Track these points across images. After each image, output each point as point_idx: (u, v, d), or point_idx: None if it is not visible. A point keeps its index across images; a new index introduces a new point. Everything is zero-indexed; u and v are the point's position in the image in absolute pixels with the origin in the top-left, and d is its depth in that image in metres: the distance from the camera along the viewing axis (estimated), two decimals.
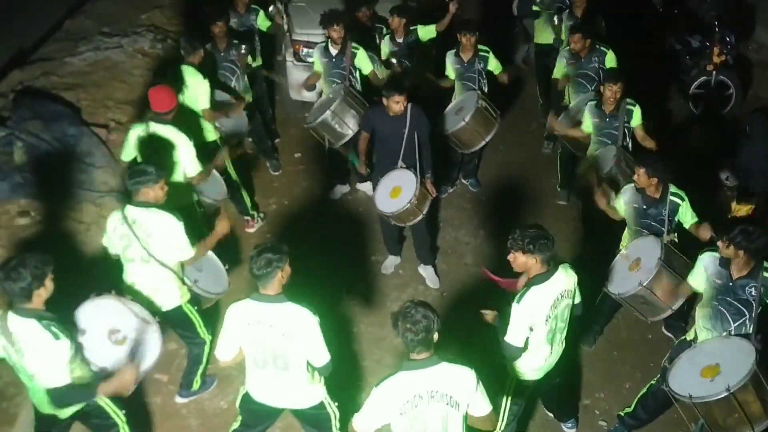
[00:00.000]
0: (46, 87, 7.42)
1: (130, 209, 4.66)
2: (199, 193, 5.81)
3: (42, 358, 3.78)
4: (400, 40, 7.30)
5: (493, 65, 7.11)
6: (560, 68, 7.15)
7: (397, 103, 5.79)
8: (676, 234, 5.31)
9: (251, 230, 6.94)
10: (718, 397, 4.09)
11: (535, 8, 8.30)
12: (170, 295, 4.86)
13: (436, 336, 3.50)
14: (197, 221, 5.80)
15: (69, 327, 3.94)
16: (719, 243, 4.41)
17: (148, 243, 4.65)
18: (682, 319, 5.81)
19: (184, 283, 4.89)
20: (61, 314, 4.02)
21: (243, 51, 7.04)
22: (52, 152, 6.59)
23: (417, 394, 3.51)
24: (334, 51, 6.92)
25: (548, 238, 4.16)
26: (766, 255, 4.41)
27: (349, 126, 6.70)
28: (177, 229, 4.66)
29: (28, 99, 7.10)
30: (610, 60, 6.92)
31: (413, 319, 3.44)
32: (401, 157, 5.97)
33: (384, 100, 5.85)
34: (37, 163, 6.50)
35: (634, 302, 5.13)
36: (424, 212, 5.99)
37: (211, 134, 6.47)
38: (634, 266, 5.13)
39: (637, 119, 6.27)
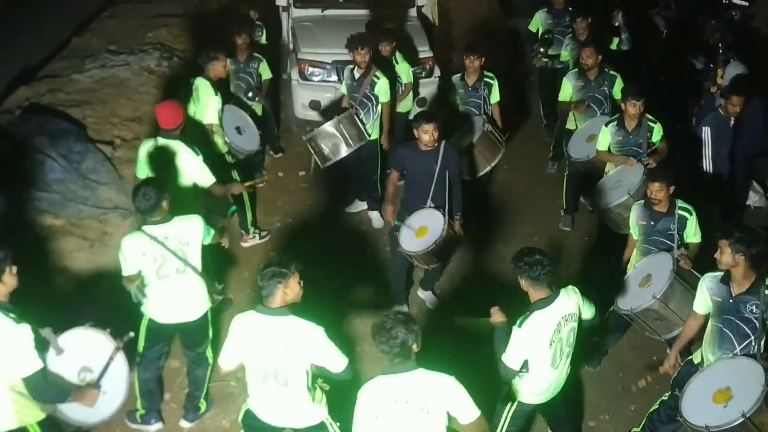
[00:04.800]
0: (53, 103, 7.45)
1: (154, 229, 4.63)
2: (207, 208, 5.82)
3: (7, 345, 3.71)
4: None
5: (495, 94, 7.09)
6: (567, 91, 7.10)
7: (426, 133, 5.57)
8: (684, 249, 5.29)
9: (245, 245, 6.96)
10: (735, 423, 4.02)
11: (532, 29, 8.39)
12: (200, 303, 4.90)
13: (415, 347, 3.58)
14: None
15: (37, 329, 3.86)
16: (717, 253, 4.36)
17: (185, 252, 4.70)
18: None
19: (209, 288, 4.96)
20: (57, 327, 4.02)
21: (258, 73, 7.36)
22: (57, 169, 6.59)
23: (391, 398, 3.54)
24: (357, 74, 6.93)
25: (532, 262, 4.11)
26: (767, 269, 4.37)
27: (330, 149, 6.78)
28: (201, 222, 4.80)
29: (35, 115, 7.12)
30: (619, 87, 6.89)
31: (389, 334, 3.53)
32: (431, 196, 5.75)
33: (415, 132, 5.67)
34: (42, 180, 6.51)
35: (646, 318, 5.06)
36: (449, 255, 5.84)
37: (223, 148, 6.51)
38: (645, 282, 5.10)
39: (658, 135, 6.28)
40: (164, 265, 4.70)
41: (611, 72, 6.96)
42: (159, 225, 4.64)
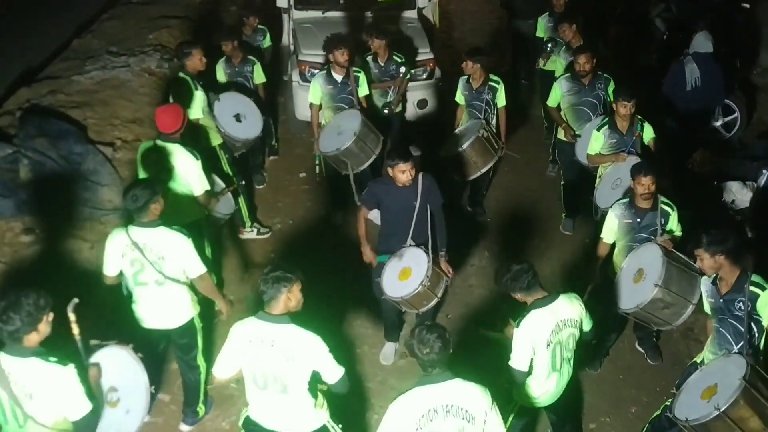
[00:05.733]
0: (53, 105, 7.45)
1: (136, 232, 4.56)
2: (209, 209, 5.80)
3: (56, 390, 3.58)
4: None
5: (500, 98, 7.05)
6: (555, 96, 7.06)
7: (403, 173, 5.15)
8: (667, 234, 5.29)
9: (242, 236, 7.02)
10: (710, 417, 4.03)
11: (539, 35, 8.41)
12: (184, 310, 4.84)
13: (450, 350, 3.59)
14: (205, 237, 5.80)
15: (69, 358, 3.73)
16: (697, 262, 4.36)
17: (161, 266, 4.59)
18: (654, 332, 5.80)
19: (196, 294, 4.87)
20: (61, 333, 3.96)
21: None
22: (57, 170, 6.60)
23: (432, 408, 3.52)
24: (339, 76, 6.91)
25: (515, 275, 4.17)
26: (748, 266, 4.38)
27: (372, 149, 6.64)
28: (187, 246, 4.61)
29: (35, 116, 7.12)
30: (613, 87, 6.89)
31: (430, 342, 3.51)
32: (411, 234, 5.37)
33: (389, 170, 5.25)
34: (42, 181, 6.51)
35: (654, 310, 4.98)
36: (440, 296, 5.37)
37: (215, 139, 6.57)
38: (639, 278, 5.06)
39: (649, 134, 6.27)
40: (142, 273, 4.63)
41: (604, 75, 6.95)
42: (144, 228, 4.56)
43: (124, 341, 4.20)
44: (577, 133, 6.92)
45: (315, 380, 4.05)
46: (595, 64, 6.84)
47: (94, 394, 3.81)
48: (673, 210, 5.36)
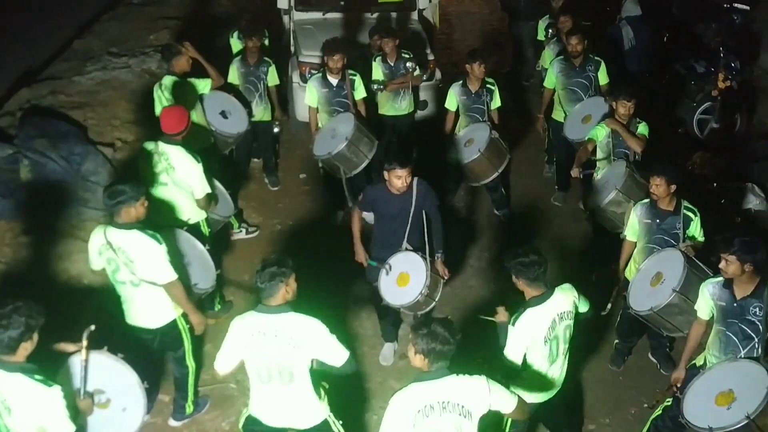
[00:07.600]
0: (54, 105, 7.46)
1: (112, 233, 4.54)
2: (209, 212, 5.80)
3: (39, 410, 3.56)
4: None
5: (497, 100, 7.08)
6: (551, 78, 7.17)
7: (398, 178, 5.10)
8: (689, 241, 5.27)
9: (233, 238, 7.06)
10: (738, 425, 4.03)
11: (540, 38, 8.41)
12: (163, 312, 4.80)
13: None
14: (203, 240, 5.80)
15: (53, 375, 3.72)
16: (721, 264, 4.33)
17: (132, 268, 4.58)
18: (667, 342, 5.80)
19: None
20: (61, 335, 3.99)
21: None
22: (58, 171, 6.61)
23: (428, 404, 3.54)
24: (334, 80, 6.90)
25: (528, 263, 4.16)
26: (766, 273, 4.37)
27: (365, 154, 6.64)
28: (158, 252, 4.55)
29: (36, 117, 7.14)
30: (603, 71, 7.01)
31: (444, 336, 3.55)
32: (406, 238, 5.38)
33: (384, 174, 5.20)
34: (42, 182, 6.52)
35: (668, 315, 4.97)
36: (437, 299, 5.42)
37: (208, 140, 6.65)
38: (656, 281, 5.04)
39: (641, 131, 6.26)
40: (118, 272, 4.63)
41: (596, 57, 7.08)
42: (118, 229, 4.55)
43: (97, 346, 4.13)
44: (567, 112, 7.04)
45: (318, 373, 4.08)
46: (586, 46, 6.96)
47: (79, 418, 3.80)
48: (696, 216, 5.32)
